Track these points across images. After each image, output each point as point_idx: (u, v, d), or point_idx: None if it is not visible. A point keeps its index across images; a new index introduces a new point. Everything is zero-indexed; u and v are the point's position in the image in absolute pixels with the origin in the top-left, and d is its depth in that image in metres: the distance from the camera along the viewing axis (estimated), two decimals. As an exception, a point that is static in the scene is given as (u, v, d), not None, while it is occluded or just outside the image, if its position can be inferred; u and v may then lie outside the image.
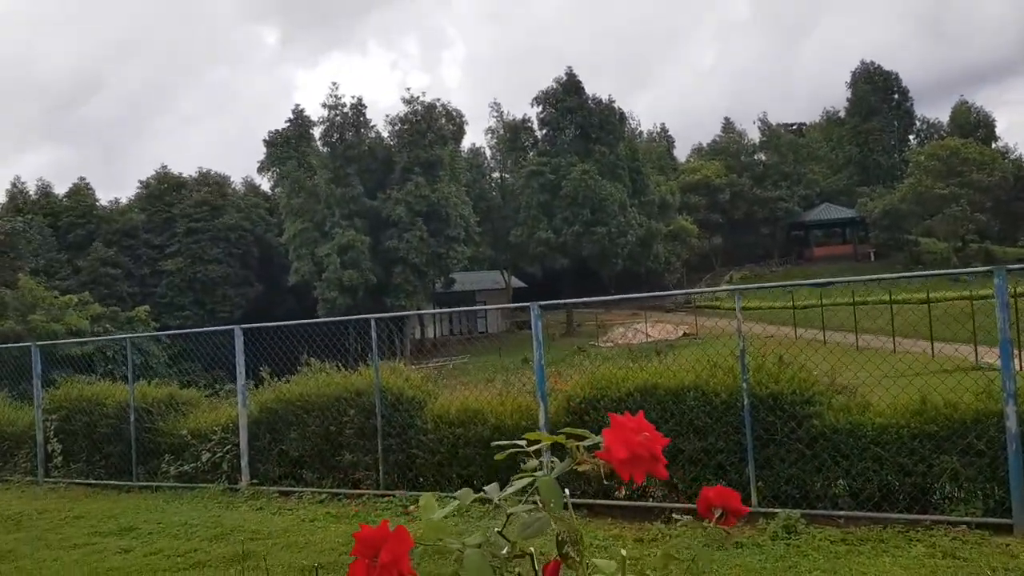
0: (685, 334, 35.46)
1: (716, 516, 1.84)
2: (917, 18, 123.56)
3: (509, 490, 1.41)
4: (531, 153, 48.21)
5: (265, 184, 51.00)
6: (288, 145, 45.25)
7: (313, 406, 8.26)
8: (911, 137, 66.72)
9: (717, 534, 1.99)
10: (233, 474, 8.65)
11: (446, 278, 45.34)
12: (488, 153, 53.01)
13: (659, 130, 70.50)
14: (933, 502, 5.61)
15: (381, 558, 1.28)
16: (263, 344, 9.80)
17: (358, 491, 7.88)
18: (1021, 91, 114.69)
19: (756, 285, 7.57)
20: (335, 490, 7.99)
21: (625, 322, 40.78)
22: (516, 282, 50.40)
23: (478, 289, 49.65)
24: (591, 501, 6.72)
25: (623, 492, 6.72)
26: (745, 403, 6.14)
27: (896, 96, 65.60)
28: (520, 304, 7.83)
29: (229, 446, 8.71)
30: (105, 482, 9.48)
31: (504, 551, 1.46)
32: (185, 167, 77.38)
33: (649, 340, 32.79)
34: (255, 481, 8.45)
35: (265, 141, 46.56)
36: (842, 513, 5.77)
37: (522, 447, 1.48)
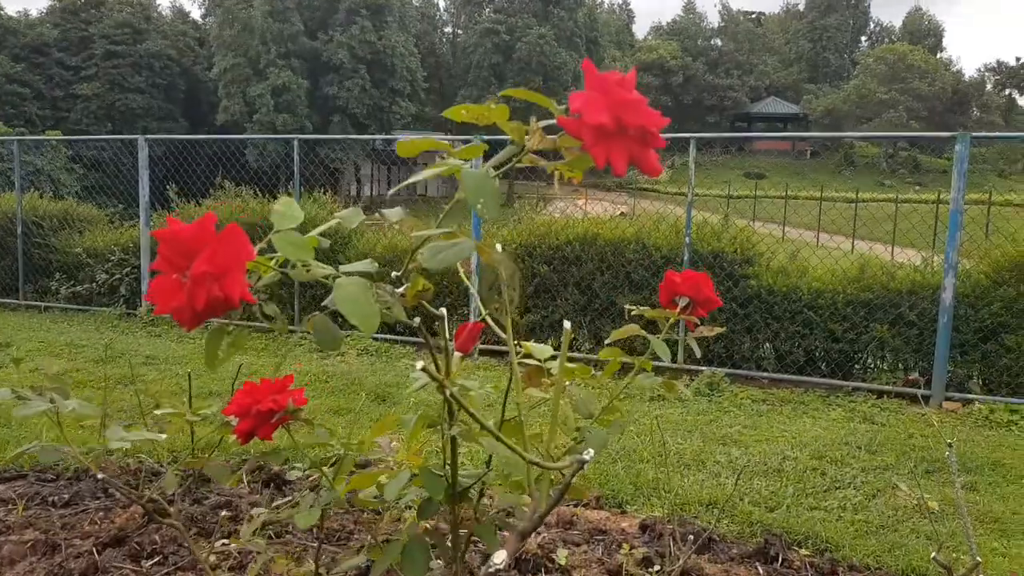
0: (622, 214, 35.61)
1: (681, 307, 1.51)
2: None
3: (410, 180, 1.01)
4: (487, 10, 45.67)
5: (196, 12, 47.03)
6: (223, -30, 41.31)
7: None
8: (863, 39, 66.43)
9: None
10: (132, 298, 8.08)
11: (387, 134, 43.59)
12: (442, 5, 49.95)
13: (621, 3, 67.78)
14: (855, 372, 5.65)
15: (195, 268, 0.84)
16: (175, 165, 9.00)
17: (267, 325, 7.46)
18: (972, 5, 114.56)
19: (712, 134, 7.23)
20: (244, 323, 7.50)
21: (566, 197, 40.58)
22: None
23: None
24: (579, 355, 6.54)
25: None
26: (685, 258, 5.94)
27: (856, -7, 64.63)
28: (461, 137, 7.30)
29: (128, 268, 8.09)
30: (-14, 298, 8.76)
31: (400, 289, 1.08)
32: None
33: (587, 217, 32.79)
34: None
35: (197, -37, 42.40)
36: (766, 375, 5.76)
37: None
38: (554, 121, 0.94)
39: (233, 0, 38.45)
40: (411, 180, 1.06)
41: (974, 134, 5.07)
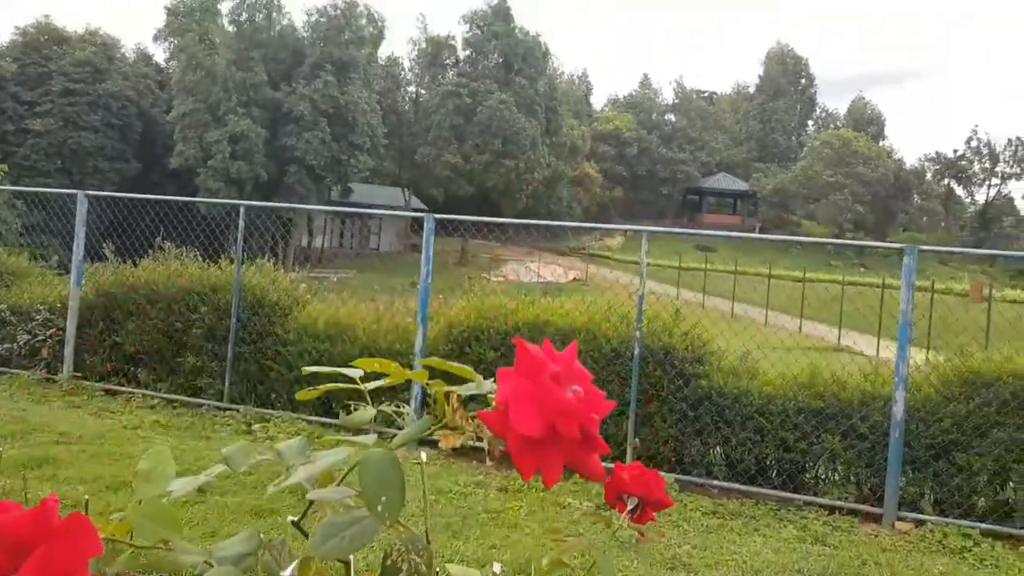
0: (575, 279, 35.78)
1: (630, 508, 1.30)
2: (836, 11, 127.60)
3: (303, 472, 0.76)
4: (451, 73, 46.39)
5: (160, 55, 46.56)
6: (191, 17, 41.06)
7: (159, 297, 7.21)
8: (810, 123, 69.59)
9: (628, 534, 1.47)
10: (54, 363, 7.52)
11: (343, 187, 43.34)
12: (407, 66, 50.54)
13: (580, 74, 69.74)
14: (806, 482, 5.47)
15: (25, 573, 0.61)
16: (116, 222, 8.57)
17: (198, 400, 6.99)
18: (913, 98, 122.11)
19: (665, 229, 7.17)
20: (172, 396, 7.05)
21: (519, 259, 40.67)
22: (417, 203, 49.07)
23: (376, 204, 47.92)
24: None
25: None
26: (636, 353, 5.76)
27: (803, 81, 67.86)
28: (416, 213, 7.12)
29: (53, 330, 7.55)
30: None
31: (288, 572, 0.84)
32: (71, 22, 69.49)
33: (540, 280, 32.81)
34: (78, 374, 7.37)
35: (166, 8, 42.16)
36: (716, 483, 5.54)
37: (351, 379, 0.85)
38: (485, 392, 0.74)
39: (198, 46, 38.26)
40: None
41: (921, 247, 5.07)
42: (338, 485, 0.79)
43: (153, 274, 7.35)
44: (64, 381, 7.26)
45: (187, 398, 7.02)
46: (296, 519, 0.81)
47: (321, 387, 0.87)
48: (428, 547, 0.79)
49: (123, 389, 7.18)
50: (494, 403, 0.70)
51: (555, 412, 0.63)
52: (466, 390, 0.75)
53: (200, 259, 7.68)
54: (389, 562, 0.76)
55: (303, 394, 0.90)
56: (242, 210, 7.12)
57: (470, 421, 0.74)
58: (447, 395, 0.74)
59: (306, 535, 0.78)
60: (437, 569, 1.05)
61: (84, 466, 4.94)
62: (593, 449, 0.68)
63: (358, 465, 0.73)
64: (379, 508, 0.69)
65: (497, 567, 0.98)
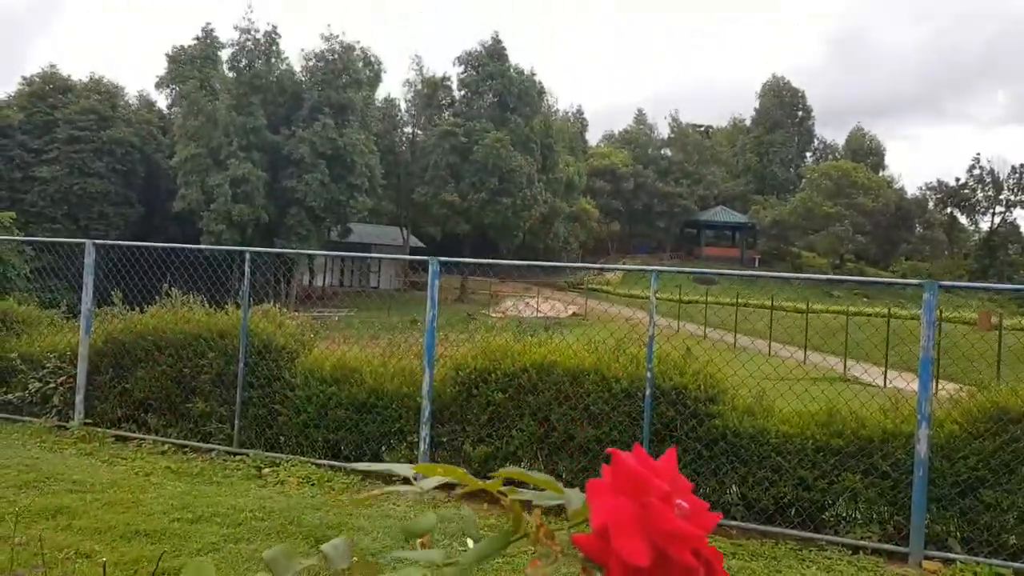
0: (574, 314, 35.70)
1: None
2: (833, 43, 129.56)
3: None
4: (446, 113, 46.90)
5: (162, 101, 47.16)
6: (192, 64, 41.78)
7: (167, 343, 7.20)
8: (808, 154, 70.07)
9: None
10: (65, 410, 7.49)
11: (343, 227, 43.50)
12: (403, 107, 51.14)
13: (575, 111, 70.51)
14: (827, 521, 5.33)
15: None
16: (123, 268, 8.51)
17: (208, 445, 6.94)
18: (912, 128, 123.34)
19: (675, 268, 7.13)
20: (182, 441, 7.02)
21: (518, 295, 40.64)
22: (415, 241, 49.22)
23: (375, 243, 48.04)
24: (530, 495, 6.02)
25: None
26: (647, 393, 5.66)
27: (800, 113, 68.47)
28: (420, 257, 7.07)
29: (64, 377, 7.53)
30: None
31: None
32: (76, 71, 70.51)
33: (539, 315, 32.75)
34: (89, 421, 7.34)
35: (168, 56, 42.86)
36: (735, 523, 5.40)
37: (398, 476, 0.76)
38: (562, 502, 0.65)
39: (199, 92, 38.76)
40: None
41: (941, 283, 5.00)
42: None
43: (161, 321, 7.34)
44: (76, 428, 7.22)
45: (197, 443, 6.98)
46: None
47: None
48: None
49: (134, 435, 7.14)
50: (574, 517, 0.63)
51: (666, 537, 0.56)
52: (545, 499, 0.66)
53: (206, 303, 7.67)
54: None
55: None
56: (247, 256, 7.10)
57: (553, 541, 0.64)
58: (526, 506, 0.66)
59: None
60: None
61: (98, 515, 4.84)
62: (710, 573, 0.60)
63: None
64: None
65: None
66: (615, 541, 0.56)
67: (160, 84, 44.03)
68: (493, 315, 35.84)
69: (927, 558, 4.90)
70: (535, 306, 36.63)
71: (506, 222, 44.05)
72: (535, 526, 0.64)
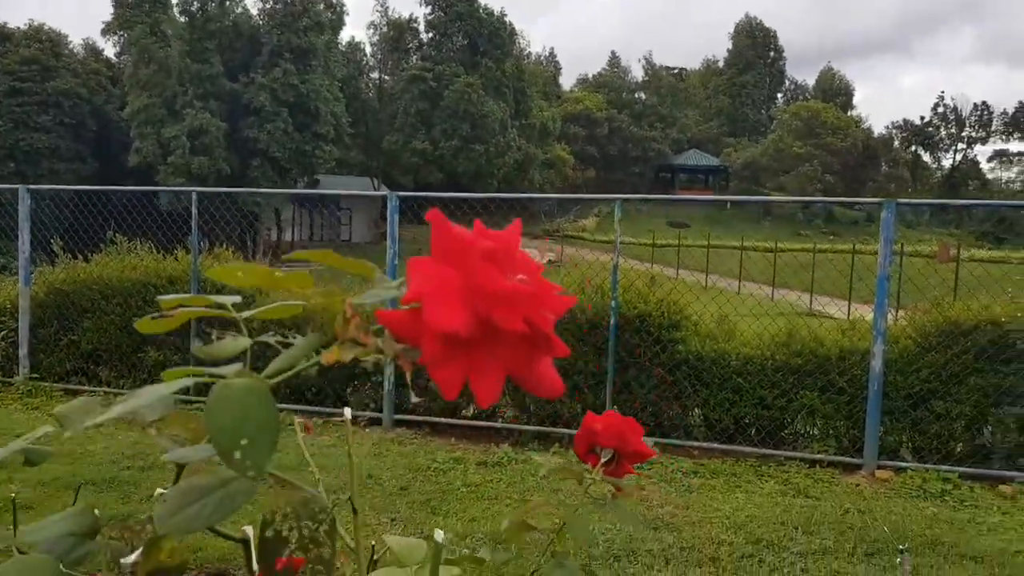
0: (550, 261, 35.73)
1: (604, 460, 1.16)
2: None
3: (120, 408, 0.58)
4: (414, 57, 45.85)
5: (110, 50, 45.38)
6: (140, 8, 40.02)
7: (114, 292, 6.95)
8: (779, 95, 69.89)
9: (602, 490, 1.30)
10: (9, 366, 7.25)
11: (310, 178, 42.73)
12: (368, 51, 49.82)
13: (548, 54, 69.38)
14: (786, 438, 5.44)
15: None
16: (64, 219, 8.23)
17: (161, 396, 6.81)
18: (881, 68, 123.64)
19: (640, 196, 7.10)
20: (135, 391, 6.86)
21: (492, 243, 40.53)
22: (386, 192, 48.54)
23: (344, 194, 47.36)
24: (422, 419, 6.06)
25: (470, 411, 6.14)
26: (612, 322, 5.66)
27: (772, 54, 68.07)
28: (377, 193, 6.92)
29: (5, 331, 7.27)
30: None
31: (131, 558, 0.65)
32: (13, 18, 67.34)
33: (514, 264, 32.72)
34: (36, 376, 7.11)
35: (114, 0, 41.04)
36: (696, 444, 5.49)
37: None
38: (391, 295, 0.56)
39: (149, 39, 37.30)
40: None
41: (899, 200, 5.01)
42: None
43: (106, 269, 7.08)
44: (20, 383, 7.01)
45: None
46: (167, 490, 0.60)
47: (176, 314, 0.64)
48: (328, 511, 0.60)
49: (84, 388, 6.95)
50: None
51: (490, 299, 0.48)
52: (369, 298, 0.56)
53: (155, 251, 7.43)
54: (270, 532, 0.58)
55: (144, 325, 0.64)
56: (194, 196, 6.83)
57: (368, 335, 0.55)
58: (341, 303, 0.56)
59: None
60: (373, 542, 0.90)
61: (43, 467, 4.73)
62: (545, 351, 0.51)
63: (208, 399, 0.53)
64: (237, 455, 0.49)
65: (440, 534, 0.81)
66: (427, 309, 0.48)
67: (107, 31, 42.16)
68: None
69: (880, 467, 5.03)
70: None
71: (479, 170, 43.52)
72: (345, 319, 0.55)
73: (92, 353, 7.08)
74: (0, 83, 39.27)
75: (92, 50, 46.57)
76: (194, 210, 6.72)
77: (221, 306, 0.65)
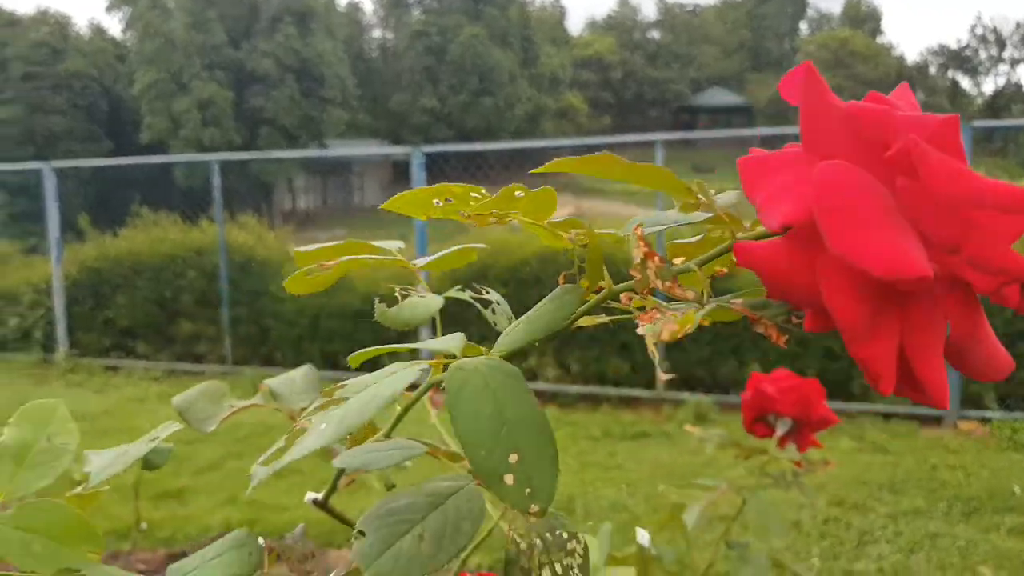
0: (570, 215, 35.31)
1: (782, 432, 1.03)
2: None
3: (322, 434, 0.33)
4: (416, 11, 44.77)
5: (115, 27, 45.00)
6: (141, -19, 39.47)
7: (143, 266, 6.89)
8: (803, 24, 67.53)
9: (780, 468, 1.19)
10: (49, 344, 7.25)
11: (320, 144, 42.28)
12: (369, 8, 48.79)
13: (552, -1, 67.51)
14: (856, 391, 5.08)
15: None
16: (90, 195, 8.03)
17: (200, 367, 6.71)
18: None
19: (680, 135, 6.72)
20: (173, 364, 6.80)
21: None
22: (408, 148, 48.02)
23: (365, 152, 46.76)
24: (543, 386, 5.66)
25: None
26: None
27: (792, -20, 65.71)
28: (400, 148, 6.60)
29: (43, 310, 7.26)
30: None
31: None
32: (19, 3, 66.92)
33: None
34: (76, 352, 7.10)
35: (112, -24, 40.46)
36: (759, 399, 5.15)
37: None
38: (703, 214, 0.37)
39: (152, 12, 36.78)
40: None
41: (976, 123, 4.53)
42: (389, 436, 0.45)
43: (134, 243, 7.02)
44: (62, 360, 7.00)
45: (190, 365, 6.75)
46: (318, 497, 0.48)
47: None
48: (582, 540, 0.41)
49: (123, 363, 6.92)
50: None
51: (960, 218, 0.27)
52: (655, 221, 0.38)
53: (179, 222, 7.30)
54: (518, 573, 0.38)
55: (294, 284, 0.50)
56: (216, 166, 6.65)
57: (675, 282, 0.36)
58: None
59: (347, 522, 0.45)
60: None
61: (92, 443, 4.54)
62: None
63: (448, 395, 0.34)
64: (508, 479, 0.31)
65: (644, 535, 0.68)
66: (835, 237, 0.27)
67: (110, 8, 41.87)
68: (491, 232, 35.12)
69: (961, 418, 4.68)
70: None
71: (490, 125, 42.73)
72: (641, 254, 0.36)
73: (128, 328, 7.07)
74: (15, 68, 39.21)
75: (98, 30, 46.24)
76: (216, 179, 6.59)
77: (387, 252, 0.51)
